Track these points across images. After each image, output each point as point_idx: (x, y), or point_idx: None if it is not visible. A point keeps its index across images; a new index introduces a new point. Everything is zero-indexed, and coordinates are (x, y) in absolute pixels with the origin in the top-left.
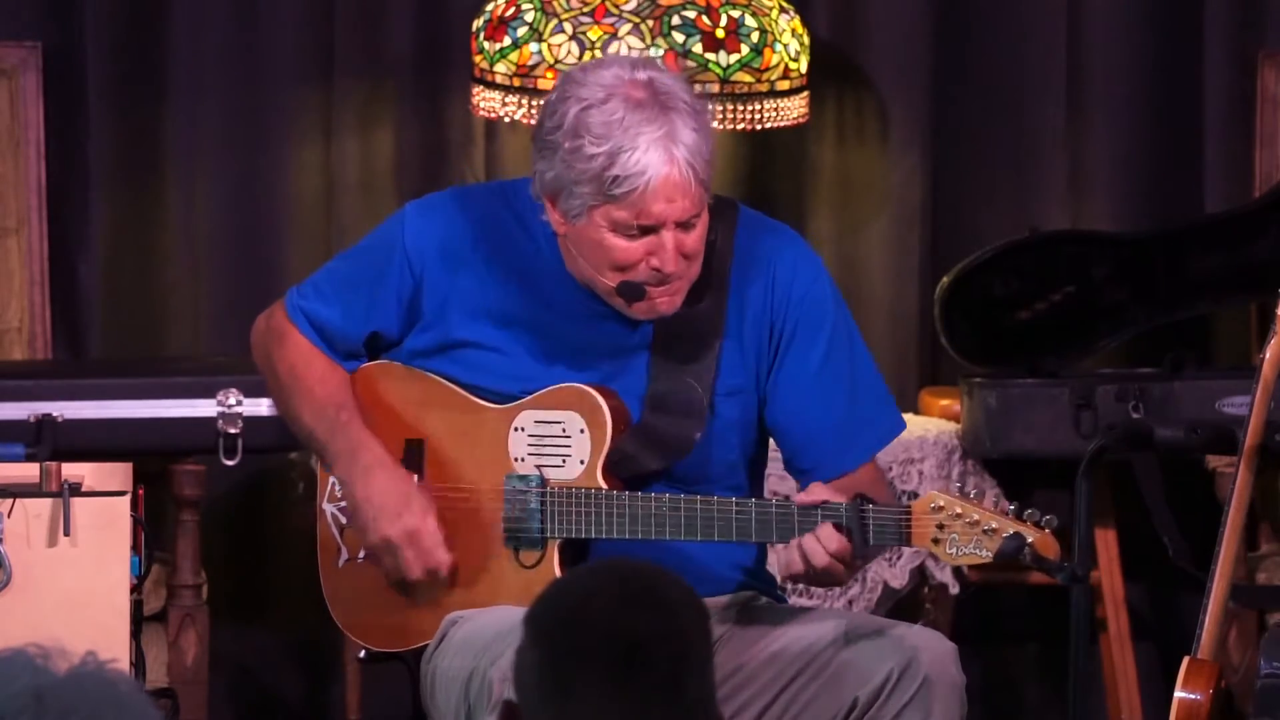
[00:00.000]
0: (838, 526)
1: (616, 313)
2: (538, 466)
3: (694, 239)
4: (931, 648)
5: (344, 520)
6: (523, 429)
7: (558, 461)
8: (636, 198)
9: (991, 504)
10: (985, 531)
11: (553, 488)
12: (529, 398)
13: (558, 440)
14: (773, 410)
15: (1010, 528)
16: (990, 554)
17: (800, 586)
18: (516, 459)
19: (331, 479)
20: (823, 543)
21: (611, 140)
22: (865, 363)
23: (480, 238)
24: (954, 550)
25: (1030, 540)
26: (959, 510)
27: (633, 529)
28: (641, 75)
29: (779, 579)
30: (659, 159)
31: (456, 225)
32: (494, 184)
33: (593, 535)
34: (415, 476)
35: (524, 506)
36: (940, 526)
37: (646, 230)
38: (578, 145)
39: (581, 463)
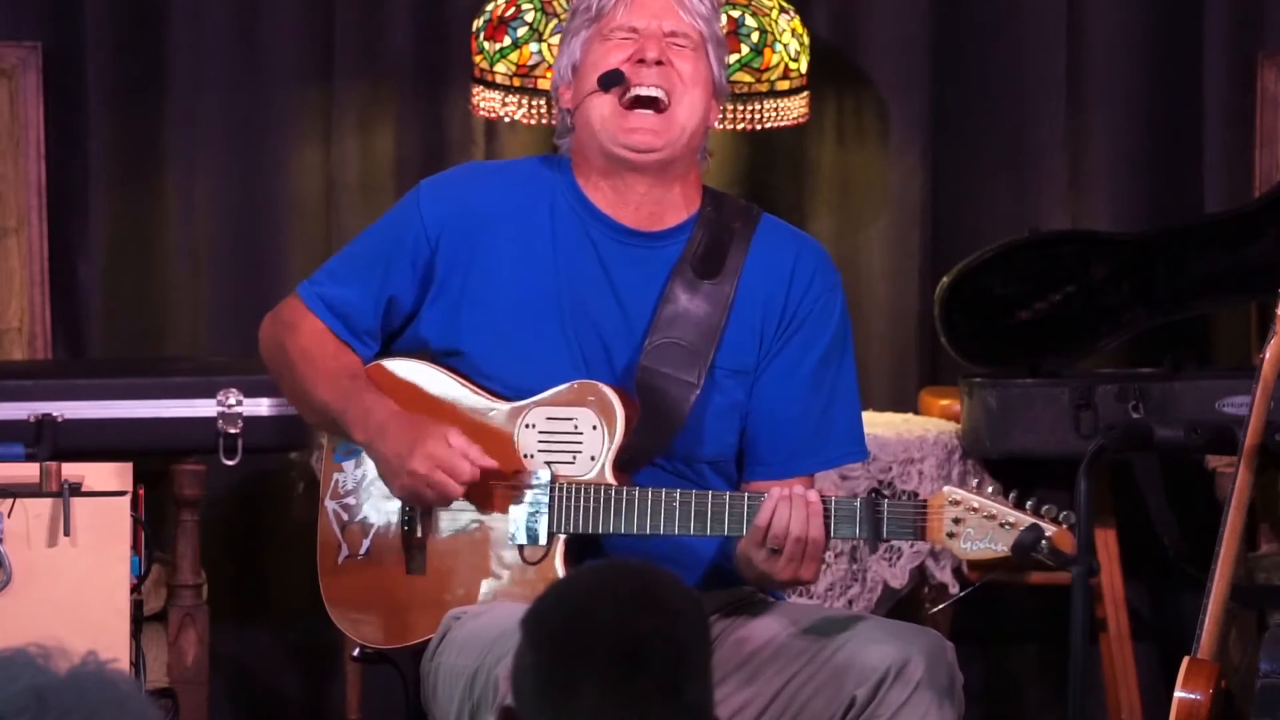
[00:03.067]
0: (839, 525)
1: (630, 267)
2: (548, 463)
3: (685, 66)
4: (930, 647)
5: (346, 517)
6: (533, 425)
7: (568, 458)
8: (618, 2)
9: (1009, 501)
10: (1002, 525)
11: (561, 484)
12: (540, 395)
13: (569, 437)
14: (752, 396)
15: (1028, 520)
16: (1006, 547)
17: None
18: (526, 455)
19: (335, 475)
20: (809, 528)
21: None
22: (849, 386)
23: (494, 200)
24: (969, 545)
25: (1049, 534)
26: (975, 505)
27: (640, 524)
28: None
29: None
30: None
31: (471, 195)
32: (503, 160)
33: (599, 531)
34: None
35: (531, 503)
36: (956, 521)
37: (634, 31)
38: (575, 7)
39: (593, 459)
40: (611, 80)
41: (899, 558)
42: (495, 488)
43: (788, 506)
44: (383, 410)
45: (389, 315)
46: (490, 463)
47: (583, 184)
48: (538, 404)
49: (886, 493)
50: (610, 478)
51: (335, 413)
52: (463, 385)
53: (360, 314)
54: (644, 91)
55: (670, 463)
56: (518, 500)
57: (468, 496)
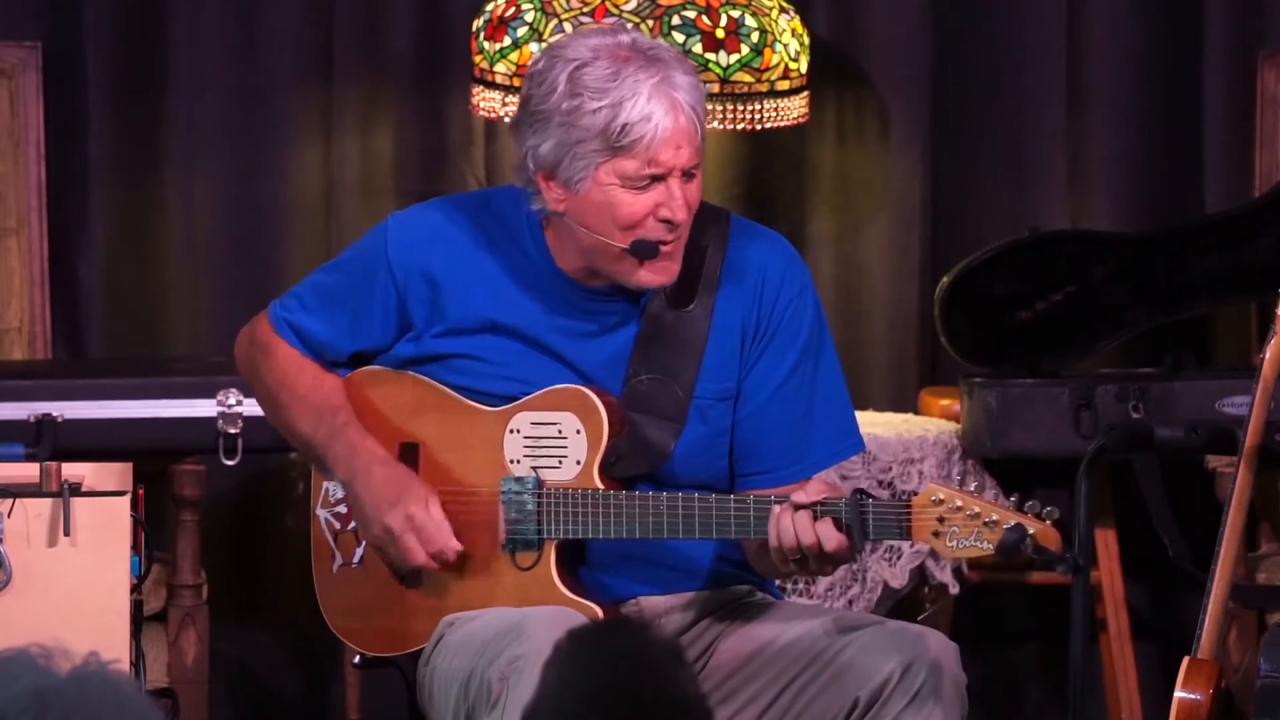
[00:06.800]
0: (836, 524)
1: (603, 308)
2: (534, 468)
3: (695, 190)
4: (933, 647)
5: (338, 526)
6: (518, 431)
7: (554, 463)
8: (645, 145)
9: (992, 498)
10: (986, 524)
11: (549, 489)
12: (524, 399)
13: (554, 441)
14: (734, 409)
15: (1012, 519)
16: (991, 546)
17: (799, 585)
18: (512, 461)
19: (326, 484)
20: (820, 538)
21: (611, 93)
22: (829, 382)
23: (464, 245)
24: (954, 543)
25: (1032, 532)
26: (959, 503)
27: (629, 529)
28: (625, 38)
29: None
30: (663, 105)
31: (440, 236)
32: (476, 193)
33: (589, 536)
34: (414, 471)
35: (521, 508)
36: (940, 520)
37: (655, 179)
38: (576, 105)
39: (578, 463)
40: (647, 253)
41: (899, 558)
42: (486, 494)
43: (789, 519)
44: (367, 453)
45: (359, 354)
46: (457, 546)
47: (553, 245)
48: (522, 408)
49: (880, 492)
50: (597, 482)
51: (318, 448)
52: (447, 393)
53: (330, 349)
54: (669, 249)
55: (656, 488)
56: (509, 506)
57: (459, 508)
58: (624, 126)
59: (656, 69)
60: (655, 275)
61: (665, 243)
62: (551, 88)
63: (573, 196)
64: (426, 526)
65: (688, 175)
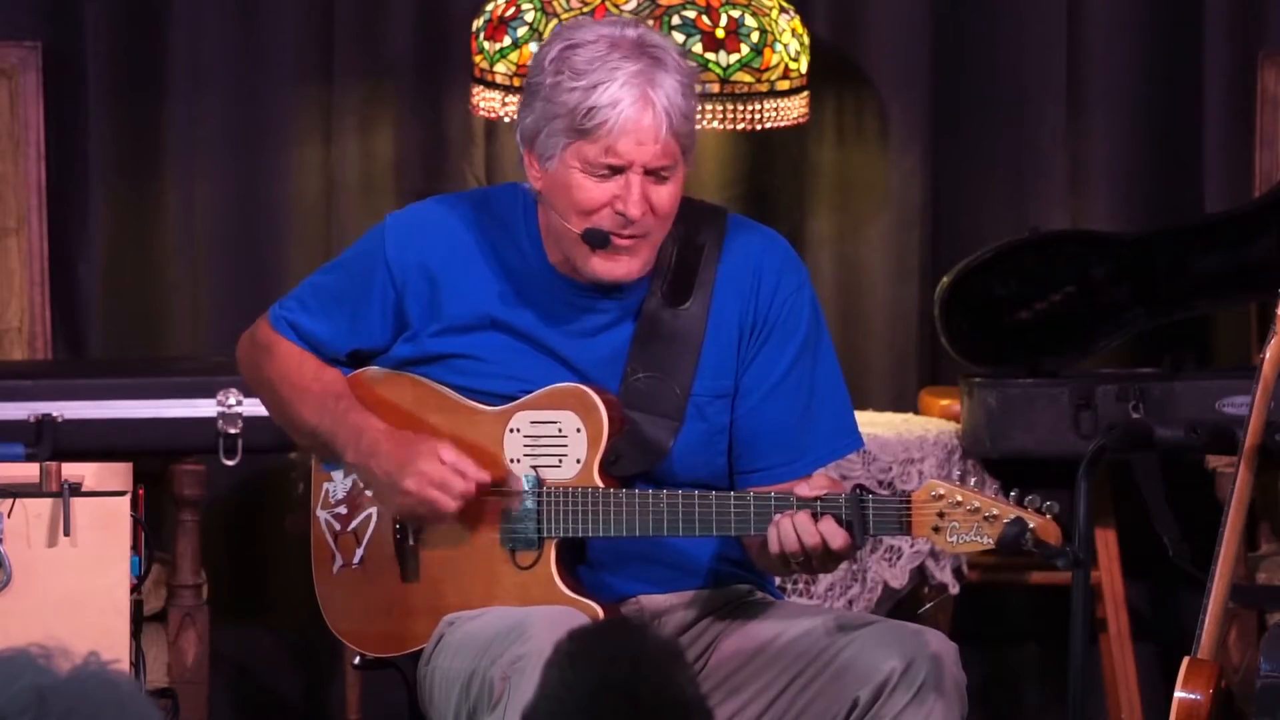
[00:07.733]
0: (837, 520)
1: (600, 306)
2: (534, 467)
3: (665, 195)
4: (932, 647)
5: (338, 527)
6: (518, 430)
7: (554, 461)
8: (605, 132)
9: (992, 493)
10: (986, 518)
11: (549, 488)
12: (524, 399)
13: (554, 440)
14: (733, 406)
15: (1012, 513)
16: (991, 540)
17: (799, 585)
18: (512, 460)
19: (325, 485)
20: (825, 537)
21: (589, 76)
22: (828, 379)
23: (461, 242)
24: (955, 538)
25: (1032, 526)
26: (959, 498)
27: (630, 527)
28: (631, 31)
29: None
30: (632, 96)
31: (438, 234)
32: (474, 191)
33: (590, 534)
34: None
35: (521, 507)
36: (940, 515)
37: (615, 170)
38: (558, 81)
39: (578, 462)
40: (598, 242)
41: (899, 557)
42: (485, 493)
43: (789, 525)
44: (372, 430)
45: (357, 352)
46: (484, 476)
47: (545, 239)
48: (522, 408)
49: (880, 492)
50: (598, 480)
51: (325, 436)
52: (447, 393)
53: (329, 348)
54: (625, 244)
55: (655, 486)
56: (507, 505)
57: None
58: (590, 109)
59: (643, 62)
60: (609, 266)
61: (620, 236)
62: (542, 63)
63: (546, 175)
64: (443, 476)
65: (658, 176)
